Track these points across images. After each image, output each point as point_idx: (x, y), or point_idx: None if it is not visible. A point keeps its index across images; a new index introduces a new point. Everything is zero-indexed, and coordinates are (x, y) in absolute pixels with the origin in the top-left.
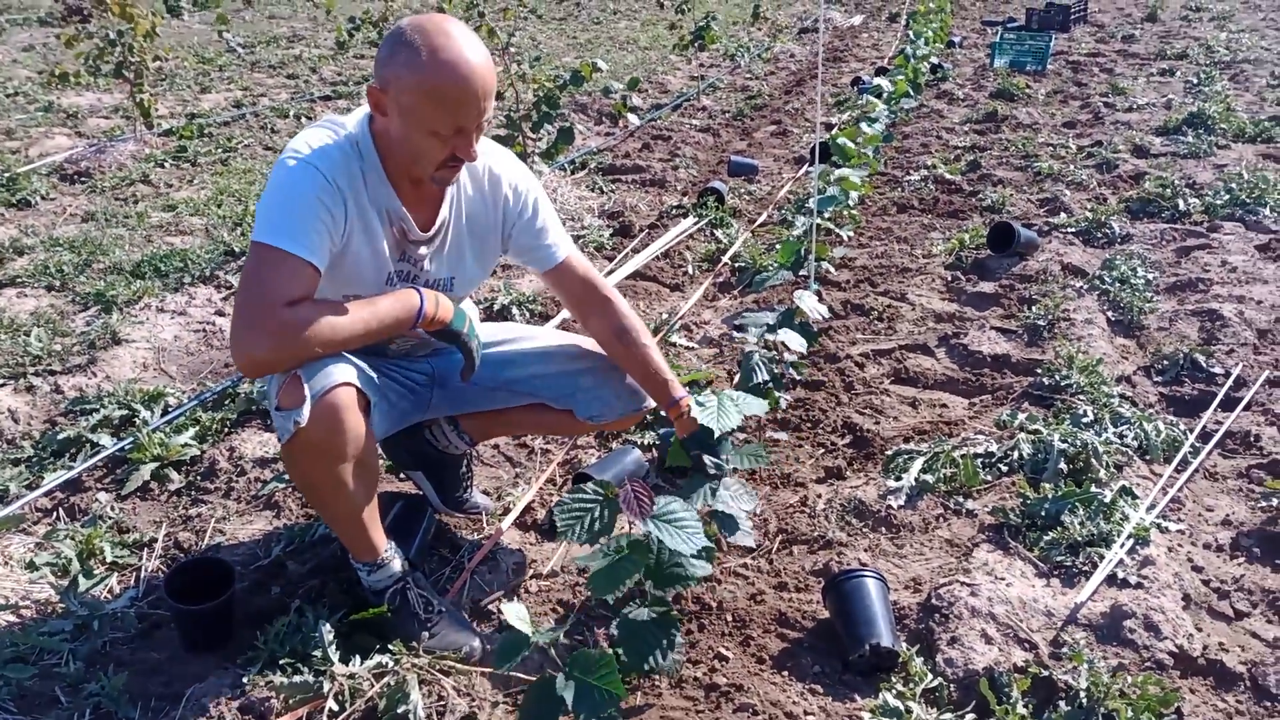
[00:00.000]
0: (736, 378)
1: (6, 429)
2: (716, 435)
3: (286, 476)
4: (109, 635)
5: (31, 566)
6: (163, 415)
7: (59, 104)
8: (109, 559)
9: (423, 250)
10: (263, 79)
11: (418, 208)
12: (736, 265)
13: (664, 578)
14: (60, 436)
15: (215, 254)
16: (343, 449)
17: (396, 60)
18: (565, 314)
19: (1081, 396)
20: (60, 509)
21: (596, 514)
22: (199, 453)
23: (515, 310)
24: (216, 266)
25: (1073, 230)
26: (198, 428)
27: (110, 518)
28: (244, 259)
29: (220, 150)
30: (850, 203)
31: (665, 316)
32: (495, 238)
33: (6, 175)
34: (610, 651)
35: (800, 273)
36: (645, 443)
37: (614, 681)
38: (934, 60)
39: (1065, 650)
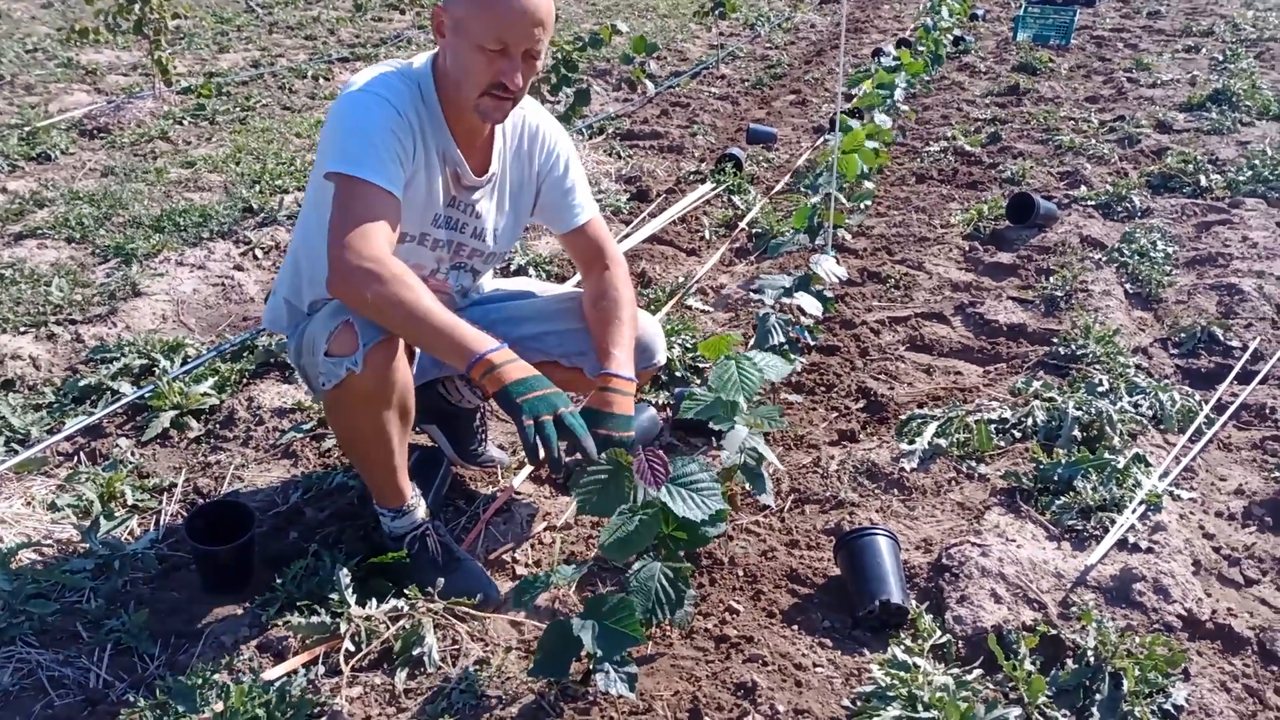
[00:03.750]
0: (752, 340)
1: (28, 375)
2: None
3: (306, 426)
4: (129, 575)
5: (53, 507)
6: (182, 365)
7: (78, 60)
8: (130, 502)
9: (475, 196)
10: (281, 39)
11: (471, 154)
12: (753, 231)
13: (677, 541)
14: (81, 383)
15: (234, 210)
16: (389, 396)
17: None
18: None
19: (1097, 366)
20: (81, 453)
21: (607, 488)
22: (218, 402)
23: (532, 271)
24: (235, 223)
25: (1093, 203)
26: (216, 378)
27: (130, 463)
28: (263, 214)
29: (238, 109)
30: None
31: (681, 280)
32: (529, 194)
33: (27, 129)
34: (626, 596)
35: (817, 240)
36: (660, 401)
37: (632, 625)
38: (957, 33)
39: (1074, 610)
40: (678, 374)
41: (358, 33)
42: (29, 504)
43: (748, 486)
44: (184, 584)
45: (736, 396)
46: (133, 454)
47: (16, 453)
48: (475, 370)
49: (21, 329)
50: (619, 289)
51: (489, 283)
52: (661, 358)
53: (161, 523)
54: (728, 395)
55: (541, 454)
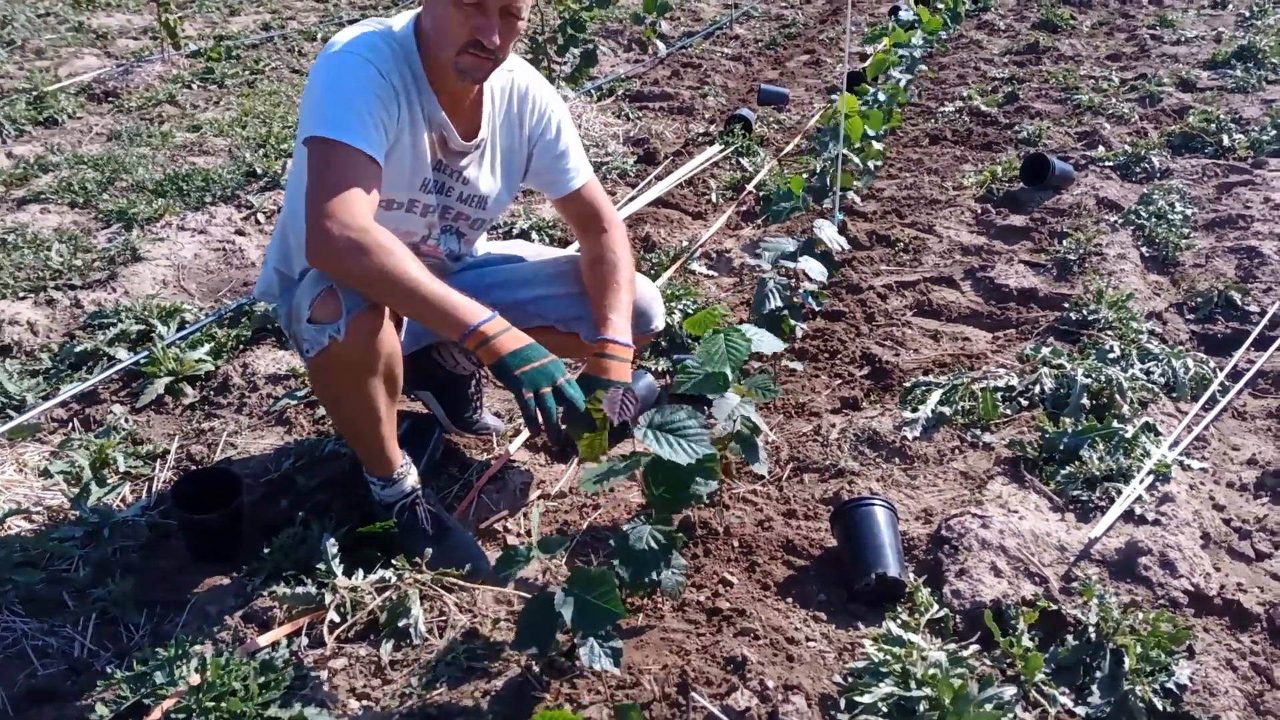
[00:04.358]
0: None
1: (25, 341)
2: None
3: (300, 393)
4: (119, 543)
5: (45, 474)
6: (179, 331)
7: (89, 25)
8: (122, 469)
9: (463, 162)
10: (291, 2)
11: (458, 118)
12: (761, 194)
13: (665, 502)
14: (78, 349)
15: (237, 174)
16: (374, 363)
17: None
18: None
19: (1109, 332)
20: (75, 420)
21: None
22: (213, 368)
23: (535, 235)
24: (238, 187)
25: (1110, 164)
26: (213, 344)
27: (124, 429)
28: (267, 179)
29: (247, 73)
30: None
31: (685, 244)
32: (520, 157)
33: (34, 94)
34: (608, 569)
35: (825, 203)
36: (660, 368)
37: (613, 599)
38: None
39: (1076, 585)
40: (678, 340)
41: None
42: (21, 470)
43: (743, 456)
44: (173, 552)
45: (724, 367)
46: (126, 420)
47: (10, 419)
48: (469, 341)
49: (21, 294)
50: (616, 252)
51: (483, 246)
52: (660, 323)
53: (153, 490)
54: (714, 366)
55: (541, 424)
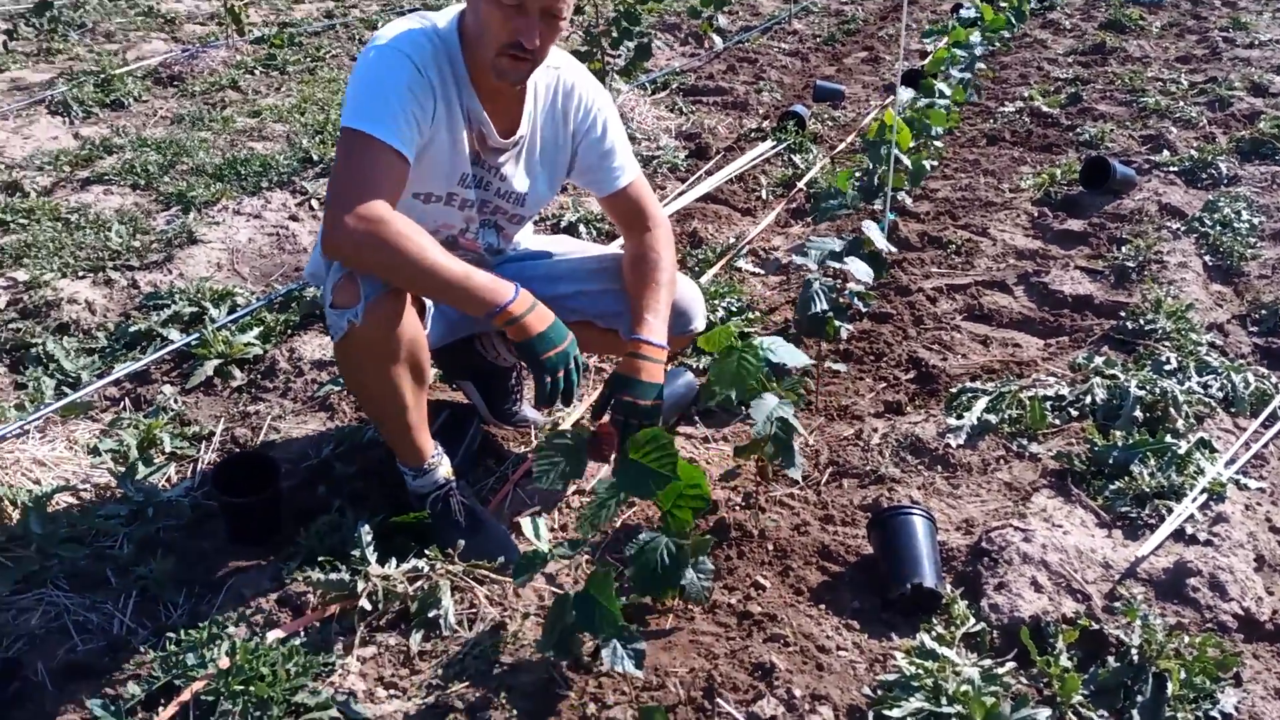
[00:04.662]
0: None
1: (83, 320)
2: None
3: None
4: (163, 522)
5: (95, 451)
6: (230, 314)
7: (158, 9)
8: (168, 449)
9: (501, 159)
10: None
11: (497, 115)
12: (812, 191)
13: (677, 519)
14: (132, 329)
15: (294, 160)
16: (395, 350)
17: None
18: None
19: (1166, 343)
20: (127, 399)
21: (563, 463)
22: (261, 352)
23: (582, 228)
24: (294, 173)
25: (1175, 169)
26: (262, 328)
27: (173, 410)
28: (322, 165)
29: (308, 59)
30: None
31: (733, 240)
32: (565, 155)
33: (103, 76)
34: (608, 571)
35: (875, 203)
36: (701, 365)
37: (610, 600)
38: None
39: (1120, 604)
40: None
41: None
42: (71, 447)
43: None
44: (214, 533)
45: (731, 389)
46: (175, 401)
47: (65, 395)
48: (497, 319)
49: (80, 274)
50: (659, 251)
51: (526, 240)
52: (700, 323)
53: (198, 471)
54: (723, 389)
55: (556, 401)
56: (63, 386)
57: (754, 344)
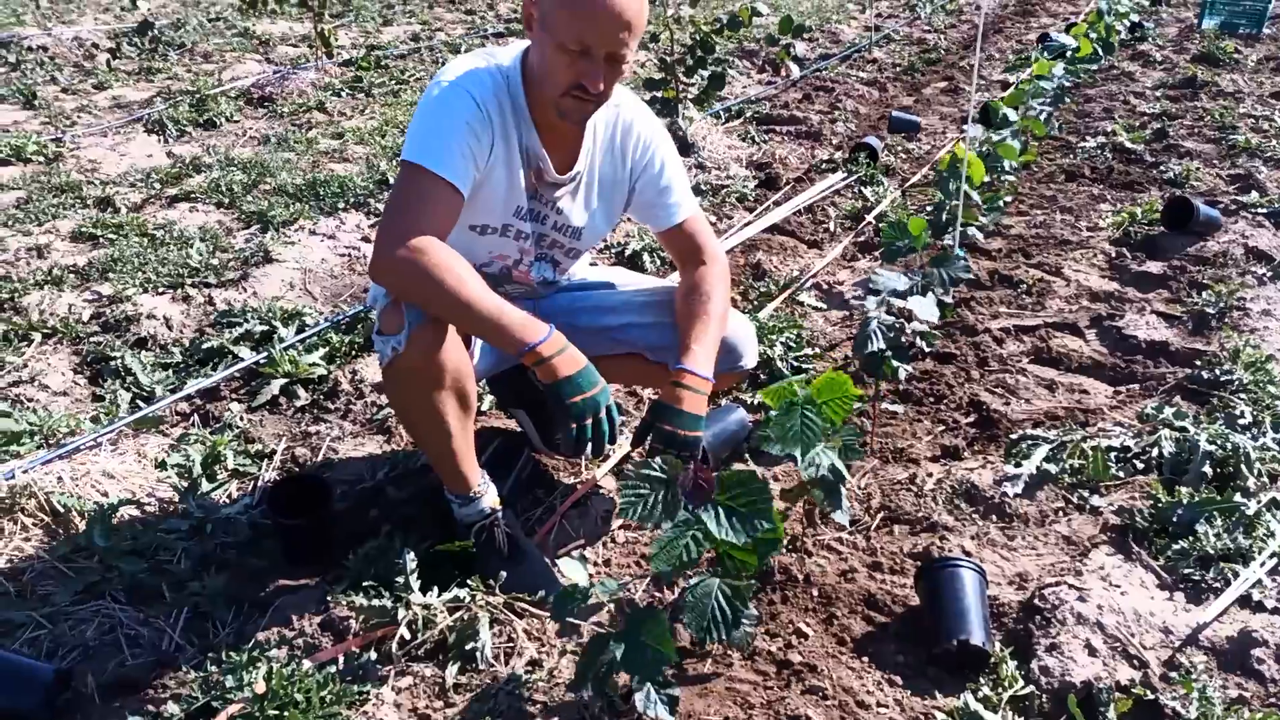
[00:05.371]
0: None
1: (160, 334)
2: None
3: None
4: (220, 539)
5: (162, 465)
6: (298, 333)
7: (254, 31)
8: (231, 466)
9: (558, 193)
10: (441, 14)
11: (555, 151)
12: (880, 225)
13: (736, 561)
14: (205, 346)
15: (370, 182)
16: (438, 377)
17: None
18: None
19: (1242, 395)
20: (197, 415)
21: (655, 498)
22: (326, 373)
23: (646, 256)
24: (370, 194)
25: (1264, 211)
26: (327, 348)
27: (238, 427)
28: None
29: (393, 82)
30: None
31: (797, 273)
32: (622, 191)
33: (198, 96)
34: (660, 609)
35: (945, 239)
36: (754, 402)
37: (665, 641)
38: (1134, 18)
39: (1178, 673)
40: (778, 374)
41: (515, 7)
42: (140, 460)
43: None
44: (269, 552)
45: (795, 449)
46: (241, 419)
47: (139, 409)
48: (526, 359)
49: (161, 289)
50: (712, 285)
51: (583, 271)
52: (750, 361)
53: (258, 489)
54: (786, 448)
55: (584, 451)
56: (137, 400)
57: (814, 401)
